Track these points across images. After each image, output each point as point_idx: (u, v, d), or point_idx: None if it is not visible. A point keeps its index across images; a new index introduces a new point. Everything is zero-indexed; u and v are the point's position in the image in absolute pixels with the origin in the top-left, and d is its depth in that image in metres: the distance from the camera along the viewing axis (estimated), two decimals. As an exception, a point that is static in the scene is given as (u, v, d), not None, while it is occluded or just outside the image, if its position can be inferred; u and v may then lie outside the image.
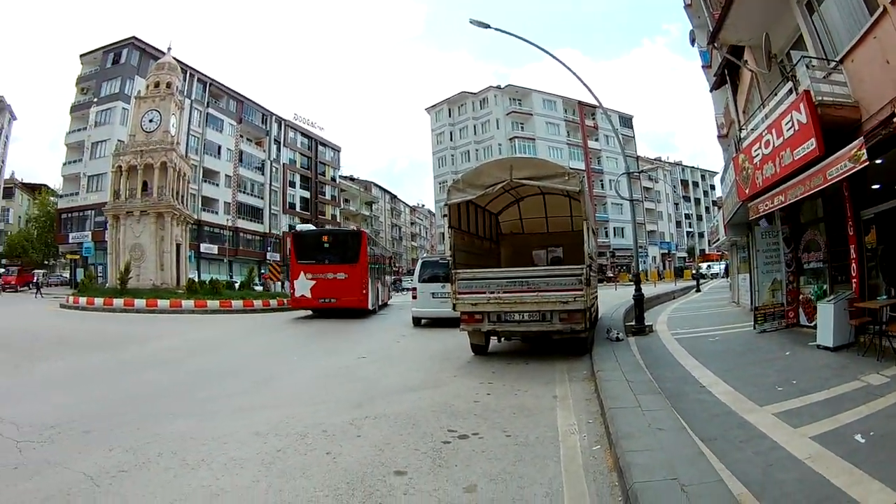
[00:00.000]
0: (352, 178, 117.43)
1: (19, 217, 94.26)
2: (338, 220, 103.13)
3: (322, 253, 24.83)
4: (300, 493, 5.19)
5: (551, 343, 13.91)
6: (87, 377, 11.96)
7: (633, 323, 17.13)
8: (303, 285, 24.30)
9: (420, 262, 22.51)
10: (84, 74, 70.29)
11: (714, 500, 4.24)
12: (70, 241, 64.47)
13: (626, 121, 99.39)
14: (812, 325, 12.57)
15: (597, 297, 17.28)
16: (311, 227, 33.66)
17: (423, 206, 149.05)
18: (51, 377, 12.04)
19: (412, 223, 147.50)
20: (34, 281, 59.51)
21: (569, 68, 18.61)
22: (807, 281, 14.53)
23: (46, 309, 33.97)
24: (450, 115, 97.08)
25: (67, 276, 68.20)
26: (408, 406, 8.61)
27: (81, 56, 70.37)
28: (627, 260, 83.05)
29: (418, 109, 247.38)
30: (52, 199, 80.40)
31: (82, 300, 33.71)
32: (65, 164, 67.95)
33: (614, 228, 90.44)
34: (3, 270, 62.30)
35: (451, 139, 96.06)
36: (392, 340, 17.56)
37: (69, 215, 66.31)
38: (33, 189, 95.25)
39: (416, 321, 21.01)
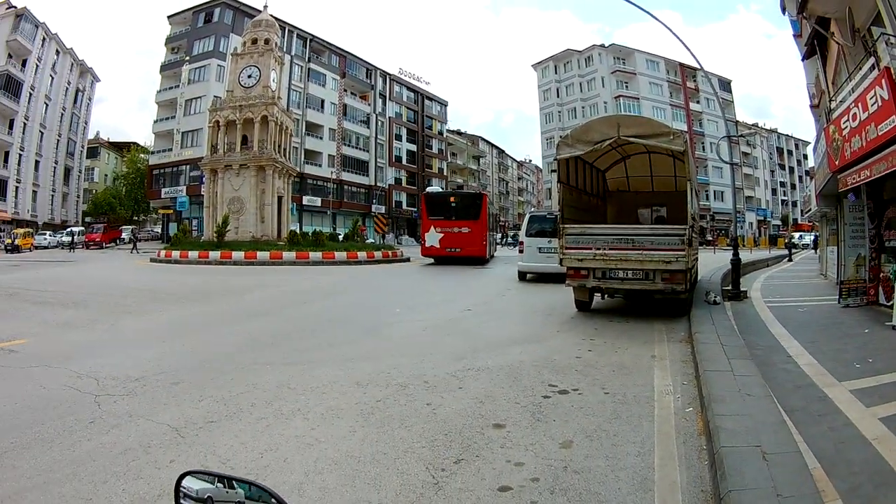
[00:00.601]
0: (459, 133, 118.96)
1: (105, 175, 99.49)
2: (445, 173, 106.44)
3: (449, 211, 31.19)
4: (397, 444, 5.36)
5: (652, 302, 14.49)
6: (180, 330, 12.36)
7: (729, 288, 17.70)
8: (432, 237, 30.61)
9: (527, 216, 23.76)
10: (173, 35, 74.25)
11: (792, 471, 4.42)
12: (163, 195, 68.22)
13: (725, 85, 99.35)
14: (889, 304, 12.57)
15: (697, 258, 17.82)
16: (439, 188, 39.55)
17: (531, 161, 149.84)
18: (140, 331, 12.40)
19: (519, 178, 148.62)
20: (124, 237, 63.30)
21: (670, 29, 19.28)
22: (887, 259, 14.45)
23: (136, 263, 36.05)
24: (556, 72, 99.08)
25: (159, 231, 72.20)
26: (510, 359, 8.85)
27: (169, 17, 74.54)
28: (726, 224, 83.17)
29: (524, 66, 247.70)
30: (142, 156, 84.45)
31: (175, 254, 35.31)
32: (156, 122, 72.07)
33: (714, 192, 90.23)
34: (80, 229, 65.28)
35: (558, 96, 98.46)
36: (497, 294, 18.27)
37: (161, 171, 70.16)
38: (120, 147, 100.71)
39: (522, 275, 21.84)
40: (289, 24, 71.93)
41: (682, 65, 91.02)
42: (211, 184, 44.19)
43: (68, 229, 65.79)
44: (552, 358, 8.95)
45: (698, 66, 20.74)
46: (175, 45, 74.80)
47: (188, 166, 65.58)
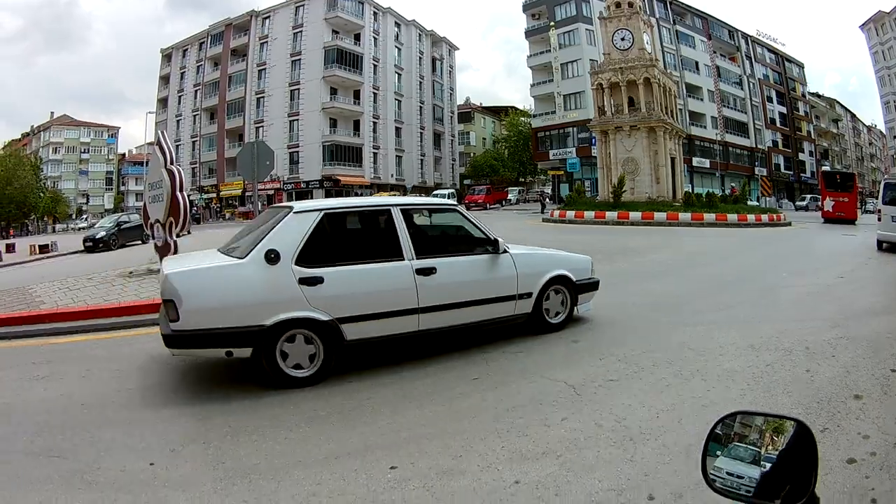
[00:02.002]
0: (818, 95, 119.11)
1: (483, 139, 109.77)
2: (812, 136, 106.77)
3: (836, 185, 42.10)
4: (779, 409, 5.58)
5: None
6: None
7: None
8: (828, 204, 41.15)
9: (882, 183, 24.40)
10: (529, 2, 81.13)
11: None
12: (551, 157, 74.96)
13: None
14: None
15: None
16: (835, 168, 48.39)
17: (875, 126, 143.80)
18: None
19: (870, 143, 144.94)
20: (510, 198, 69.95)
21: None
22: None
23: (527, 223, 40.09)
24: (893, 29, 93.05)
25: (549, 191, 75.85)
26: (873, 329, 9.16)
27: None
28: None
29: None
30: (522, 119, 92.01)
31: (570, 214, 39.51)
32: (533, 86, 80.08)
33: None
34: (448, 192, 72.10)
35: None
36: (860, 262, 18.78)
37: (546, 133, 77.33)
38: (496, 111, 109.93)
39: (879, 244, 22.12)
40: None
41: None
42: (602, 145, 48.06)
43: (440, 191, 73.59)
44: (911, 330, 9.21)
45: None
46: (535, 12, 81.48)
47: (575, 128, 71.51)
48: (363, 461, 5.06)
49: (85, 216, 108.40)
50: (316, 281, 7.12)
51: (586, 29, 72.67)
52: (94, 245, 37.11)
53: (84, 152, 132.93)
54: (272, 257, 7.03)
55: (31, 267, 31.75)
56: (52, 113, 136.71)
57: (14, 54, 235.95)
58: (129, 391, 7.39)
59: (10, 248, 44.43)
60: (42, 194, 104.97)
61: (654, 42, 53.48)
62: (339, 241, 7.74)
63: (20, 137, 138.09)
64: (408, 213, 8.14)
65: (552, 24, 76.65)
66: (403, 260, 7.65)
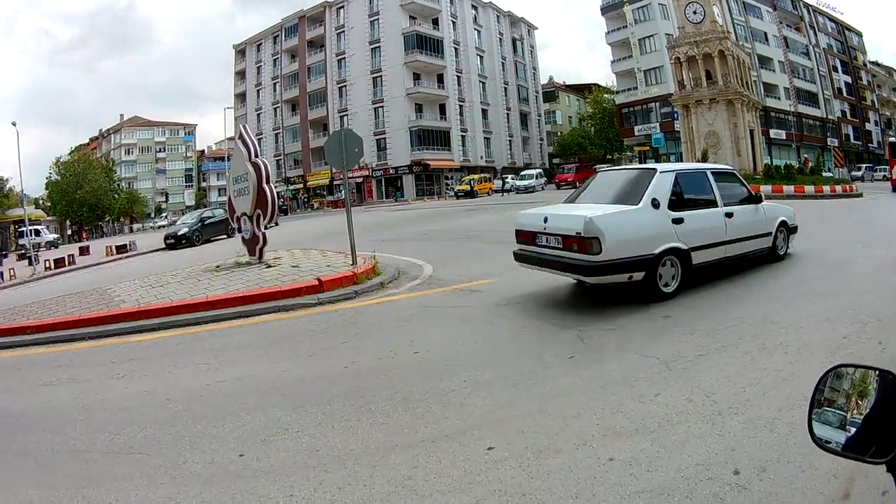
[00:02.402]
0: (877, 64, 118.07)
1: (569, 118, 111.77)
2: (875, 105, 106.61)
3: None
4: None
5: None
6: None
7: None
8: (894, 172, 41.43)
9: None
10: None
11: None
12: (636, 133, 76.06)
13: None
14: None
15: None
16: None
17: None
18: None
19: None
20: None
21: None
22: None
23: None
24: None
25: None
26: None
27: None
28: None
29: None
30: (606, 95, 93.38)
31: None
32: (614, 62, 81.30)
33: None
34: (536, 172, 73.69)
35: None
36: None
37: (630, 109, 78.74)
38: (580, 89, 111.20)
39: None
40: None
41: None
42: (685, 119, 48.99)
43: (527, 171, 74.66)
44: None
45: None
46: None
47: (657, 103, 72.78)
48: (460, 443, 5.35)
49: (165, 214, 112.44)
50: (680, 221, 10.11)
51: (659, 3, 73.82)
52: (175, 242, 38.34)
53: (160, 151, 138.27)
54: (656, 204, 9.99)
55: (110, 267, 32.91)
56: (121, 115, 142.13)
57: (75, 61, 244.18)
58: (218, 384, 7.94)
59: (84, 251, 45.54)
60: (116, 195, 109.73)
61: (724, 14, 54.20)
62: (685, 192, 10.67)
63: (88, 142, 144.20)
64: (713, 173, 11.60)
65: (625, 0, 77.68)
66: (717, 207, 10.94)
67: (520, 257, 11.14)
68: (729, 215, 11.13)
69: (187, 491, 5.15)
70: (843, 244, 16.70)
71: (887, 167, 50.32)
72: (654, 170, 10.95)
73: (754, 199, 12.18)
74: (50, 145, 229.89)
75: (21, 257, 49.23)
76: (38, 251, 47.98)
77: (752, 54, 72.51)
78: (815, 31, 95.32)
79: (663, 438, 5.00)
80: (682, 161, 50.51)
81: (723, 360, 6.81)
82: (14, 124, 41.21)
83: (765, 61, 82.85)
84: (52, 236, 76.86)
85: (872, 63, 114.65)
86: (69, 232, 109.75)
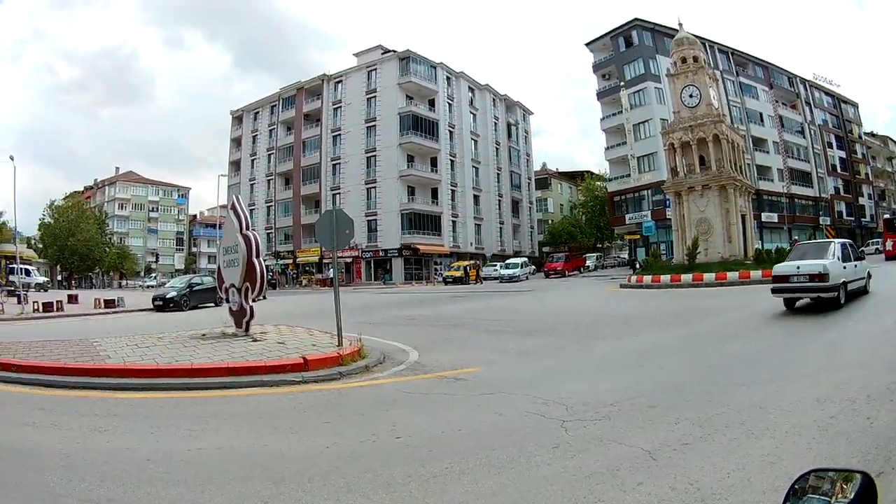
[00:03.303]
0: (872, 134, 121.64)
1: (560, 205, 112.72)
2: (869, 178, 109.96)
3: (893, 229, 52.77)
4: (839, 459, 6.18)
5: None
6: (655, 353, 14.08)
7: None
8: (889, 244, 52.11)
9: None
10: (598, 62, 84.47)
11: None
12: (627, 221, 76.03)
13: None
14: None
15: None
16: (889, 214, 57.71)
17: None
18: (611, 356, 14.29)
19: None
20: (588, 265, 72.62)
21: None
22: None
23: (605, 290, 40.49)
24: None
25: (625, 256, 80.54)
26: None
27: (588, 45, 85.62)
28: None
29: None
30: (598, 183, 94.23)
31: (647, 279, 40.22)
32: (607, 149, 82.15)
33: None
34: (522, 260, 73.66)
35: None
36: None
37: (622, 197, 79.08)
38: (572, 176, 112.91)
39: None
40: (707, 40, 76.28)
41: None
42: (677, 206, 48.91)
43: (512, 260, 74.37)
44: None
45: None
46: (605, 72, 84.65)
47: (649, 191, 73.52)
48: None
49: (154, 275, 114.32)
50: (844, 267, 19.36)
51: (655, 87, 74.69)
52: (163, 304, 38.39)
53: (153, 210, 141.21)
54: (836, 257, 19.24)
55: (97, 320, 33.48)
56: (117, 168, 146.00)
57: (75, 104, 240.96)
58: (199, 451, 7.95)
59: (72, 299, 45.90)
60: (108, 248, 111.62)
61: (720, 96, 55.19)
62: (842, 252, 19.99)
63: (83, 190, 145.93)
64: (848, 244, 21.38)
65: (622, 84, 79.04)
66: (851, 261, 20.39)
67: (777, 290, 19.74)
68: (847, 266, 19.79)
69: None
70: (836, 322, 17.27)
71: (880, 240, 57.95)
72: (831, 242, 21.54)
73: (861, 258, 22.49)
74: (44, 185, 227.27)
75: (10, 294, 49.99)
76: (27, 291, 49.62)
77: (746, 136, 73.75)
78: (811, 108, 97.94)
79: (645, 529, 4.75)
80: (672, 249, 52.71)
81: (708, 448, 6.88)
82: (12, 158, 41.22)
83: (759, 143, 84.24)
84: (42, 279, 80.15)
85: (868, 134, 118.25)
86: (59, 277, 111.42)
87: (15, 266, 57.67)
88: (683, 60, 49.40)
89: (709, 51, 75.42)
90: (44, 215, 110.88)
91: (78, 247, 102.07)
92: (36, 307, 38.21)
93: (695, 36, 53.39)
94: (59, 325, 29.42)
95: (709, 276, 37.62)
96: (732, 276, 36.86)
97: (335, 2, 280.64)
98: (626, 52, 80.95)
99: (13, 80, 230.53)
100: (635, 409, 8.80)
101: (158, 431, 8.98)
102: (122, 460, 7.51)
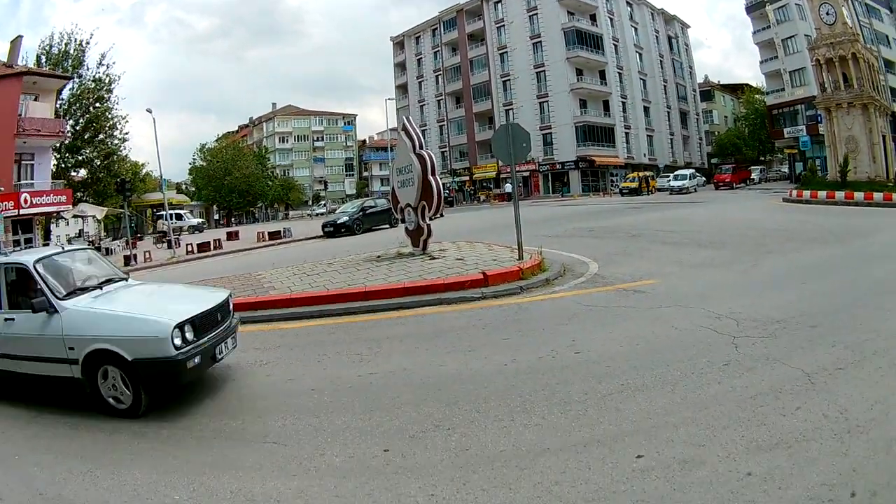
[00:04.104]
0: None
1: (725, 117, 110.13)
2: None
3: None
4: None
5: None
6: (818, 271, 13.67)
7: None
8: None
9: None
10: None
11: None
12: (785, 136, 73.64)
13: None
14: None
15: None
16: None
17: None
18: (777, 272, 13.78)
19: None
20: (753, 177, 70.82)
21: None
22: None
23: (770, 203, 39.29)
24: None
25: (786, 170, 77.91)
26: None
27: None
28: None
29: None
30: (757, 96, 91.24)
31: (805, 193, 39.09)
32: (762, 63, 78.64)
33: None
34: (689, 172, 71.17)
35: None
36: None
37: (779, 111, 75.76)
38: (733, 89, 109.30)
39: None
40: None
41: None
42: (828, 122, 46.97)
43: (680, 172, 72.27)
44: None
45: None
46: None
47: (802, 105, 70.30)
48: (611, 449, 5.50)
49: (323, 202, 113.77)
50: None
51: (796, 3, 71.32)
52: (334, 230, 38.56)
53: (318, 140, 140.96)
54: None
55: (260, 253, 33.40)
56: (273, 104, 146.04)
57: (217, 51, 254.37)
58: (370, 375, 7.99)
59: (232, 236, 47.81)
60: (270, 182, 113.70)
61: (852, 15, 52.90)
62: None
63: (237, 129, 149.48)
64: None
65: None
66: None
67: None
68: None
69: (320, 484, 5.40)
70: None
71: None
72: None
73: None
74: (194, 131, 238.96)
75: (159, 240, 50.97)
76: (178, 235, 51.05)
77: (878, 58, 70.02)
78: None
79: (797, 455, 5.15)
80: (826, 164, 50.08)
81: (858, 375, 6.86)
82: (150, 111, 43.10)
83: (889, 65, 78.62)
84: (195, 220, 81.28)
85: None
86: (216, 217, 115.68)
87: (164, 212, 56.34)
88: (814, -24, 45.82)
89: (837, -32, 71.10)
90: (194, 159, 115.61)
91: (236, 184, 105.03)
92: (189, 249, 38.81)
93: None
94: (217, 263, 29.95)
95: (858, 195, 36.64)
96: (877, 197, 35.63)
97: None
98: (764, -36, 75.12)
99: (138, 40, 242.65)
100: (799, 328, 8.76)
101: (325, 359, 9.17)
102: (283, 392, 7.78)
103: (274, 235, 42.32)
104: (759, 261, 15.35)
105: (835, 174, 43.84)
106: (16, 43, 48.12)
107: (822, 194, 38.40)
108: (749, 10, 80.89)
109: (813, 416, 5.77)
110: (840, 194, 37.47)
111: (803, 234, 20.84)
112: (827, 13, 46.41)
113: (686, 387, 6.73)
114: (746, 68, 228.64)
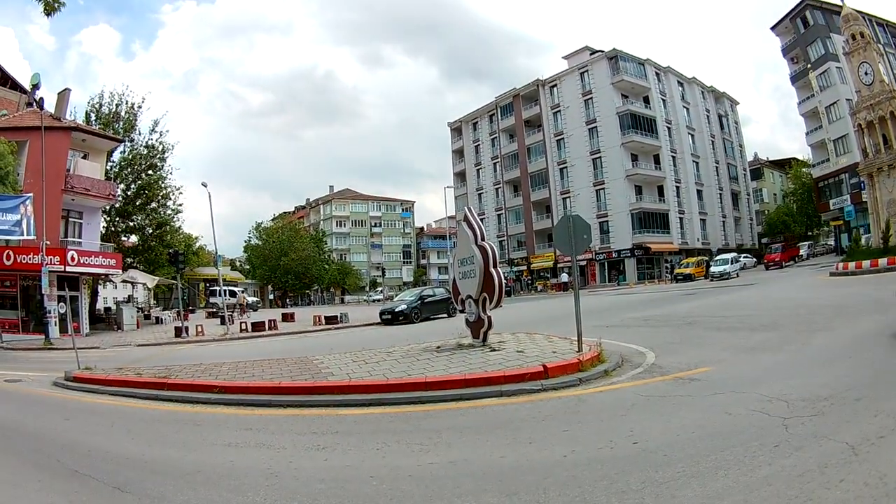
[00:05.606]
0: None
1: (774, 195, 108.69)
2: None
3: None
4: None
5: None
6: (859, 343, 13.59)
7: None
8: None
9: None
10: (787, 44, 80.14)
11: None
12: (831, 207, 72.55)
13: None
14: None
15: None
16: None
17: None
18: (825, 349, 13.73)
19: None
20: (802, 254, 69.10)
21: None
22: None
23: (818, 279, 38.88)
24: None
25: (832, 243, 77.21)
26: None
27: (772, 28, 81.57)
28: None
29: None
30: (804, 169, 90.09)
31: (851, 265, 38.90)
32: (808, 134, 78.33)
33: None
34: (731, 257, 68.75)
35: None
36: None
37: (825, 182, 75.13)
38: (780, 164, 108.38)
39: None
40: (864, 13, 67.06)
41: None
42: (870, 189, 46.98)
43: (721, 256, 69.99)
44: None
45: None
46: (793, 55, 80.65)
47: (847, 174, 69.27)
48: None
49: (381, 289, 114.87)
50: None
51: (836, 67, 70.91)
52: (392, 318, 37.53)
53: (375, 225, 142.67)
54: None
55: (316, 337, 32.86)
56: (331, 187, 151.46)
57: (272, 128, 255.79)
58: (430, 465, 7.95)
59: (288, 317, 46.32)
60: (327, 266, 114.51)
61: (888, 71, 51.98)
62: None
63: (293, 210, 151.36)
64: None
65: (808, 66, 76.17)
66: None
67: None
68: None
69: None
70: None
71: None
72: None
73: None
74: (245, 208, 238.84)
75: (211, 315, 51.00)
76: (232, 312, 49.74)
77: None
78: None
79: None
80: (869, 233, 49.17)
81: None
82: (205, 185, 43.06)
83: None
84: (251, 299, 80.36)
85: None
86: (270, 297, 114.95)
87: (217, 288, 57.38)
88: (853, 37, 47.97)
89: (868, 24, 68.49)
90: (249, 237, 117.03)
91: (292, 266, 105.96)
92: (244, 327, 38.33)
93: (858, 11, 50.88)
94: (270, 344, 29.94)
95: (900, 260, 33.79)
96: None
97: (533, 5, 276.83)
98: (805, 33, 77.57)
99: (191, 109, 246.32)
100: (845, 403, 8.77)
101: (385, 447, 8.96)
102: (340, 478, 7.60)
103: (331, 320, 41.78)
104: (809, 339, 15.41)
105: (877, 241, 43.50)
106: (63, 95, 49.01)
107: (866, 264, 38.37)
108: (794, 79, 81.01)
109: (854, 486, 5.85)
110: (883, 261, 37.39)
111: (850, 308, 20.87)
112: (866, 73, 46.40)
113: (739, 470, 6.71)
114: (792, 140, 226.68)
